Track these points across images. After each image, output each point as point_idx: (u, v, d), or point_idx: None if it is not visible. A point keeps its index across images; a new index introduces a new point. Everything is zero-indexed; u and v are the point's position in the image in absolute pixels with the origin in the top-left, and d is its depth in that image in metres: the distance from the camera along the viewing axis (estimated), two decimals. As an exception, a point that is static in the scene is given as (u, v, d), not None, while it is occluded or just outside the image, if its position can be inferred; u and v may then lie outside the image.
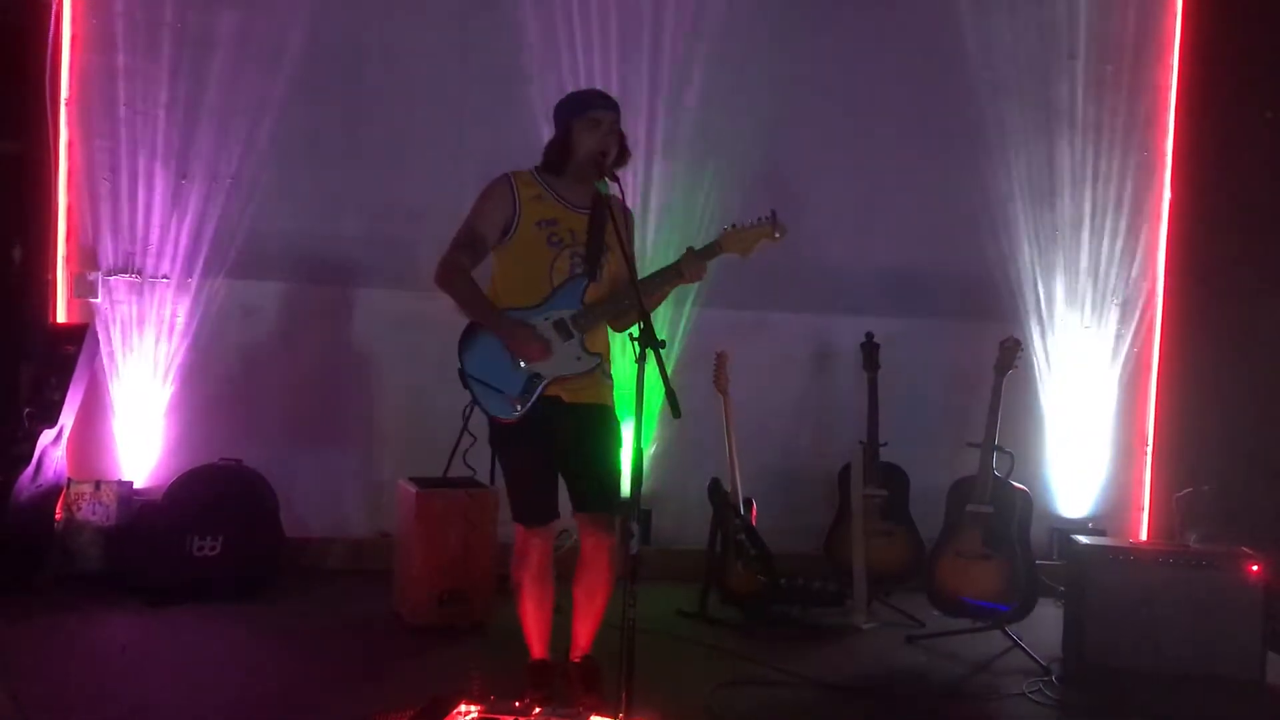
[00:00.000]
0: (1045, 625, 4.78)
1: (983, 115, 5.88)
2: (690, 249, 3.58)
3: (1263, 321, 5.41)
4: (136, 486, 5.21)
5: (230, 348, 5.41)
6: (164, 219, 5.33)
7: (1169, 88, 6.03)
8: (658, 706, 3.38)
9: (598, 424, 3.57)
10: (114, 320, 5.30)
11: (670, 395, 3.00)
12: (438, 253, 3.58)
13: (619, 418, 3.66)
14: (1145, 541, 5.77)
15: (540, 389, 3.48)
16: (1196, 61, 5.93)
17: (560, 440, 3.53)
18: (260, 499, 5.06)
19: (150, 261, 5.34)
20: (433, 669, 4.10)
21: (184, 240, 5.35)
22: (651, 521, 5.61)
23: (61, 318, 5.27)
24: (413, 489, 4.68)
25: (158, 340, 5.34)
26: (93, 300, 5.28)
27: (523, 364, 3.47)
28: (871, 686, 4.21)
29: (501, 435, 3.57)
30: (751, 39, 5.73)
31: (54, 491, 4.98)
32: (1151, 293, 6.04)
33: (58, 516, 5.02)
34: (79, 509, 5.02)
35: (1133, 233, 6.01)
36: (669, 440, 5.59)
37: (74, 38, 5.24)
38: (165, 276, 5.35)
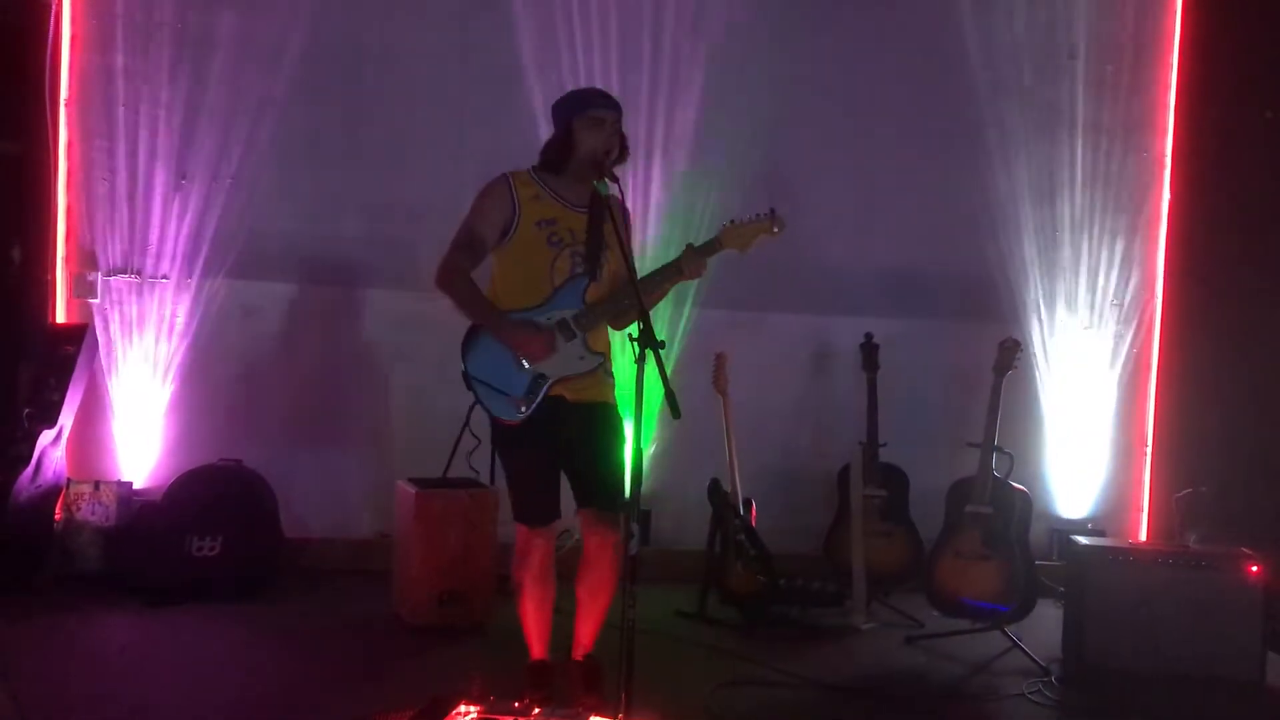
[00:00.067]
0: (1044, 626, 4.78)
1: (982, 115, 5.88)
2: (690, 245, 3.58)
3: (1262, 322, 5.41)
4: (136, 487, 5.21)
5: (230, 348, 5.41)
6: (163, 219, 5.33)
7: (1168, 88, 6.03)
8: (657, 707, 3.38)
9: (601, 421, 3.56)
10: (113, 321, 5.30)
11: (670, 396, 2.99)
12: (438, 253, 3.58)
13: (621, 415, 3.66)
14: (1145, 542, 5.77)
15: (545, 390, 3.48)
16: (1196, 61, 5.93)
17: (564, 439, 3.53)
18: (260, 499, 5.06)
19: (149, 262, 5.34)
20: (432, 669, 4.10)
21: (183, 240, 5.35)
22: (651, 522, 5.62)
23: (61, 318, 5.27)
24: (412, 489, 4.68)
25: (157, 340, 5.34)
26: (92, 300, 5.28)
27: (526, 364, 3.47)
28: (871, 687, 4.21)
29: (504, 436, 3.57)
30: (751, 39, 5.73)
31: (53, 492, 4.98)
32: (1151, 293, 6.04)
33: (57, 517, 5.02)
34: (78, 509, 5.02)
35: (1132, 233, 6.01)
36: (668, 441, 5.59)
37: (73, 38, 5.24)
38: (165, 277, 5.35)
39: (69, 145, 5.26)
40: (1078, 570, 4.45)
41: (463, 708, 3.17)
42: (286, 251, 5.44)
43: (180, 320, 5.36)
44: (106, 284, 5.30)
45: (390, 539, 5.05)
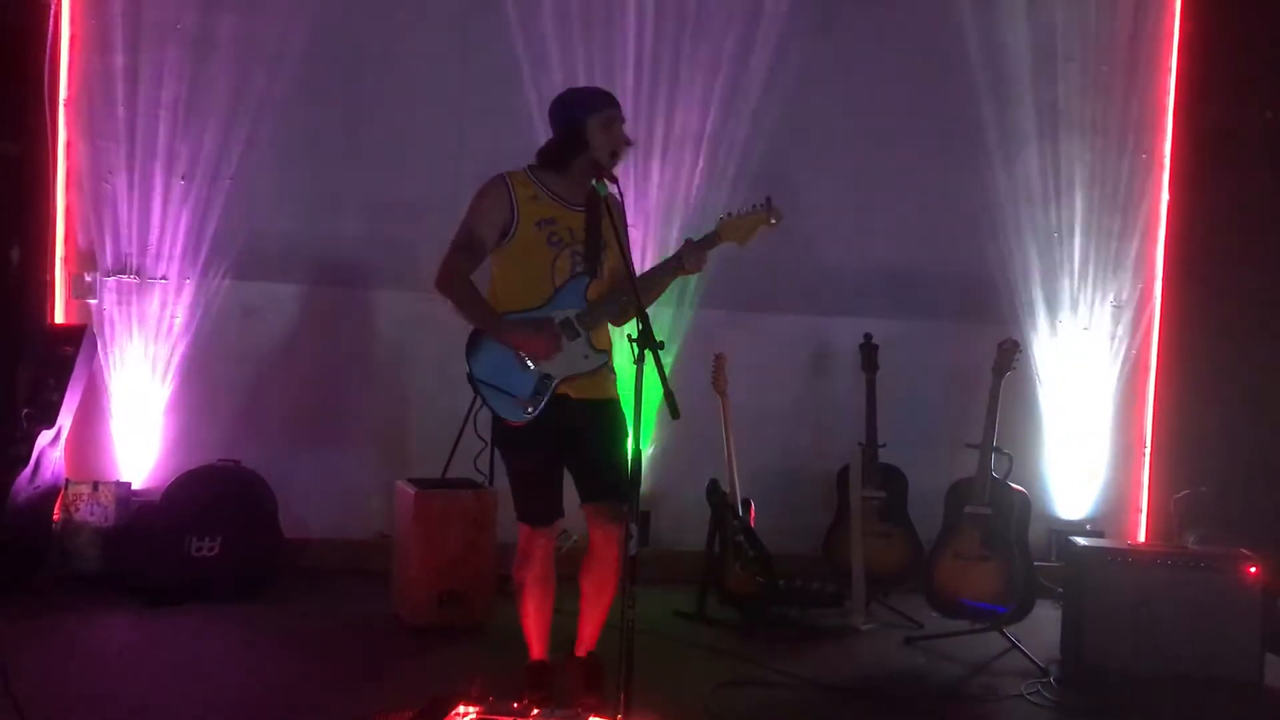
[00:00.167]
0: (1043, 627, 4.78)
1: (982, 116, 5.88)
2: (689, 239, 3.60)
3: (1262, 322, 5.42)
4: (135, 487, 5.21)
5: (229, 348, 5.41)
6: (163, 220, 5.33)
7: (1167, 88, 6.03)
8: (656, 707, 3.39)
9: (605, 417, 3.55)
10: (112, 321, 5.30)
11: (669, 396, 3.00)
12: (437, 253, 3.58)
13: (625, 410, 3.65)
14: (1143, 543, 5.78)
15: (551, 390, 3.48)
16: (1195, 62, 5.93)
17: (567, 437, 3.53)
18: (259, 500, 5.06)
19: (149, 262, 5.34)
20: (432, 670, 4.10)
21: (183, 241, 5.35)
22: (650, 523, 5.61)
23: (60, 318, 5.27)
24: (411, 490, 4.68)
25: (156, 341, 5.34)
26: (91, 301, 5.28)
27: (531, 365, 3.47)
28: (870, 688, 4.21)
29: (509, 436, 3.56)
30: (751, 39, 5.72)
31: (52, 492, 4.98)
32: (1150, 294, 6.04)
33: (56, 517, 5.01)
34: (77, 510, 5.02)
35: (1131, 234, 6.01)
36: (667, 441, 5.59)
37: (73, 38, 5.24)
38: (164, 277, 5.35)
39: (68, 145, 5.26)
40: (1076, 571, 4.45)
41: (462, 708, 3.18)
42: (286, 252, 5.44)
43: (179, 320, 5.36)
44: (106, 284, 5.30)
45: (390, 539, 5.05)
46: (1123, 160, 6.00)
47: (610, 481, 3.45)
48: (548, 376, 3.48)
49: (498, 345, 3.48)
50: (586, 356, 3.53)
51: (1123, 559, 4.39)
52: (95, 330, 5.22)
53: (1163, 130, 6.04)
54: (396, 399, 5.54)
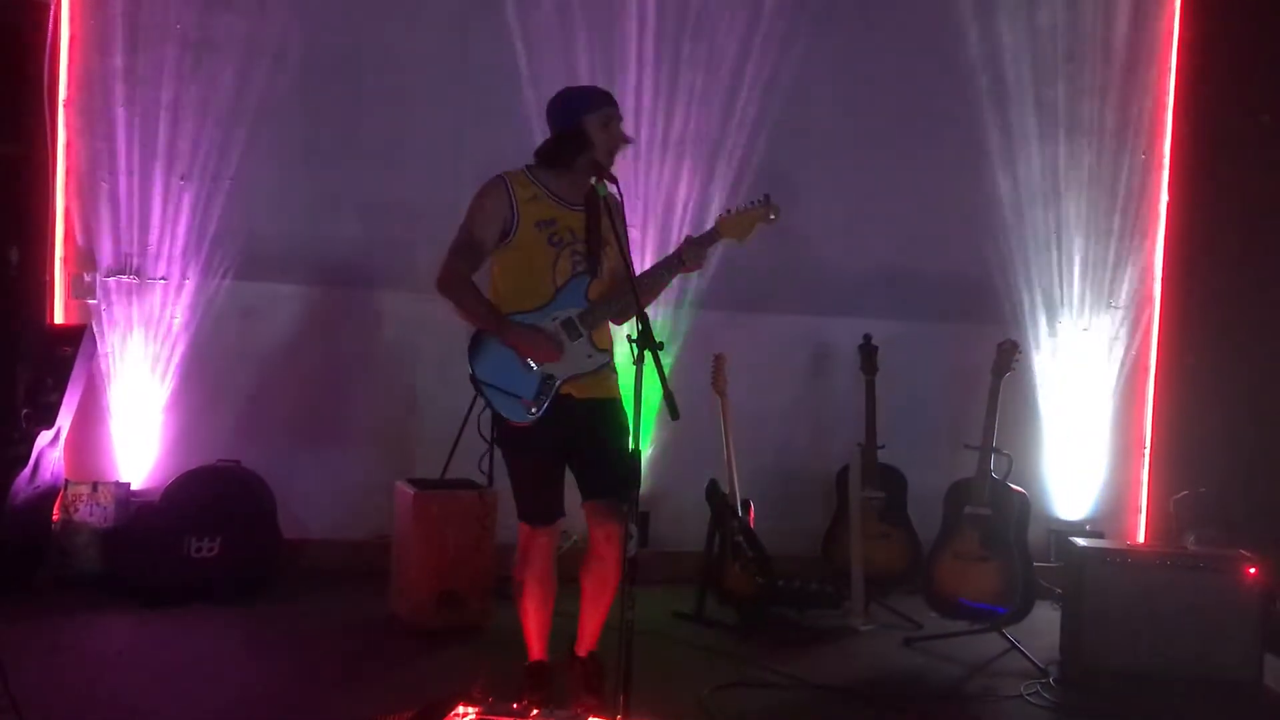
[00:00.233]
0: (1043, 627, 4.78)
1: (981, 117, 5.88)
2: (689, 237, 3.61)
3: (1261, 323, 5.42)
4: (134, 488, 5.20)
5: (228, 349, 5.41)
6: (162, 220, 5.33)
7: (1166, 90, 6.03)
8: (655, 708, 3.39)
9: (607, 417, 3.54)
10: (112, 321, 5.30)
11: (668, 397, 3.00)
12: (437, 254, 3.58)
13: (626, 409, 3.64)
14: (1143, 544, 5.79)
15: (555, 390, 3.48)
16: (1194, 64, 5.93)
17: (570, 436, 3.53)
18: (258, 500, 5.06)
19: (148, 262, 5.33)
20: (431, 671, 4.10)
21: (182, 241, 5.35)
22: (649, 523, 5.61)
23: (59, 319, 5.27)
24: (410, 490, 4.68)
25: (155, 341, 5.33)
26: (90, 301, 5.28)
27: (535, 366, 3.46)
28: (869, 689, 4.21)
29: (511, 436, 3.56)
30: (751, 40, 5.72)
31: (51, 493, 4.98)
32: (1149, 295, 6.04)
33: (55, 518, 5.01)
34: (76, 510, 5.02)
35: (1130, 235, 6.01)
36: (667, 442, 5.59)
37: (72, 39, 5.24)
38: (163, 278, 5.35)
39: (68, 146, 5.26)
40: (1076, 572, 4.45)
41: (461, 709, 3.18)
42: (285, 252, 5.44)
43: (178, 320, 5.36)
44: (105, 285, 5.30)
45: (388, 540, 5.05)
46: (1122, 161, 6.00)
47: (612, 480, 3.44)
48: (551, 377, 3.48)
49: (500, 346, 3.48)
50: (590, 356, 3.53)
51: (1122, 560, 4.38)
52: (95, 330, 5.22)
53: (1162, 131, 6.04)
54: (396, 399, 5.54)
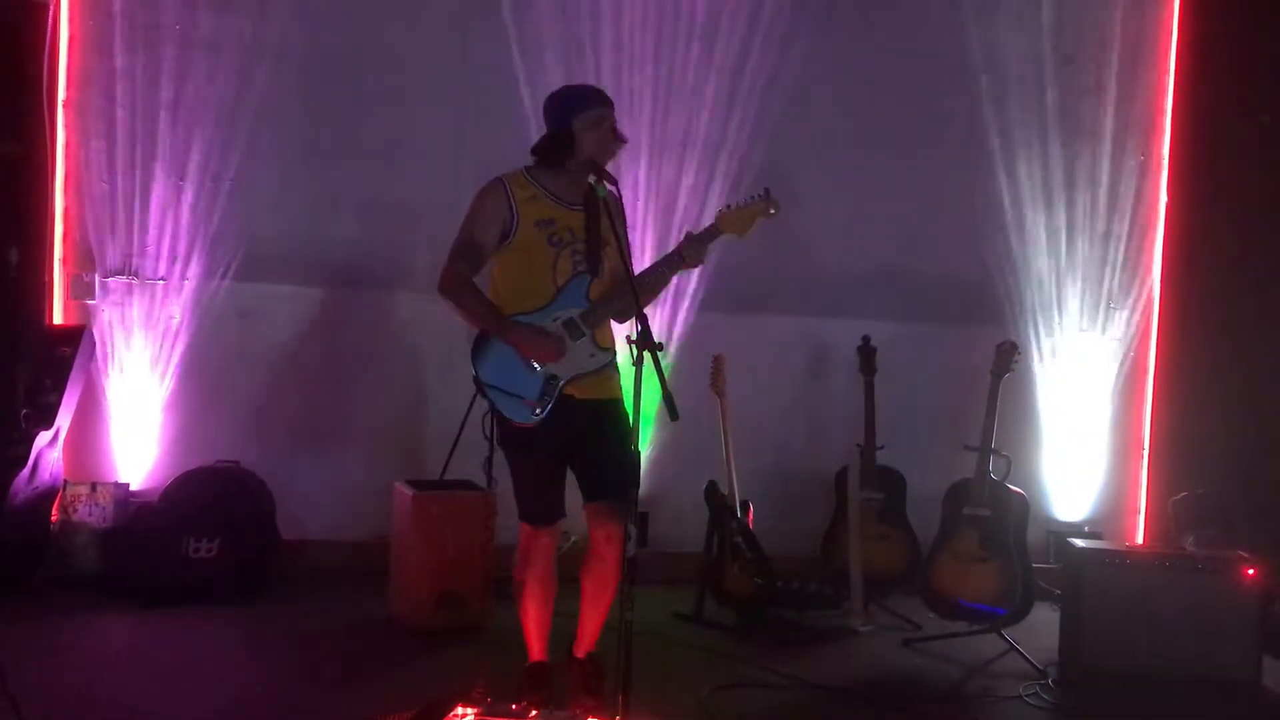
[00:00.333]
0: (1041, 628, 4.78)
1: (980, 119, 5.88)
2: (689, 233, 3.61)
3: (1259, 325, 5.42)
4: (133, 488, 5.20)
5: (227, 349, 5.41)
6: (161, 221, 5.33)
7: (1166, 92, 6.03)
8: (654, 709, 3.39)
9: (608, 418, 3.54)
10: (111, 322, 5.30)
11: (668, 398, 3.00)
12: (437, 254, 3.58)
13: (627, 409, 3.64)
14: (1141, 545, 5.78)
15: (559, 390, 3.48)
16: (1193, 66, 5.94)
17: (572, 437, 3.53)
18: (257, 501, 5.06)
19: (147, 263, 5.33)
20: (430, 671, 4.10)
21: (181, 242, 5.34)
22: (648, 524, 5.61)
23: (58, 319, 5.27)
24: (409, 491, 4.68)
25: (154, 342, 5.33)
26: (89, 302, 5.28)
27: (538, 366, 3.47)
28: (868, 689, 4.21)
29: (513, 436, 3.56)
30: (751, 41, 5.72)
31: (50, 493, 4.98)
32: (1148, 296, 6.04)
33: (54, 518, 5.01)
34: (75, 511, 5.02)
35: (1129, 236, 6.01)
36: (666, 443, 5.59)
37: (71, 39, 5.24)
38: (162, 278, 5.35)
39: (67, 146, 5.26)
40: (1074, 573, 4.45)
41: (460, 709, 3.18)
42: (284, 253, 5.44)
43: (177, 321, 5.36)
44: (104, 285, 5.29)
45: (388, 540, 5.05)
46: (1121, 162, 6.00)
47: (614, 481, 3.42)
48: (554, 377, 3.48)
49: (503, 348, 3.48)
50: (592, 355, 3.53)
51: (1121, 561, 4.38)
52: (94, 331, 5.22)
53: (1161, 132, 6.04)
54: (395, 400, 5.54)
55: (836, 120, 5.84)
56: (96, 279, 5.28)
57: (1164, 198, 6.04)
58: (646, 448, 5.56)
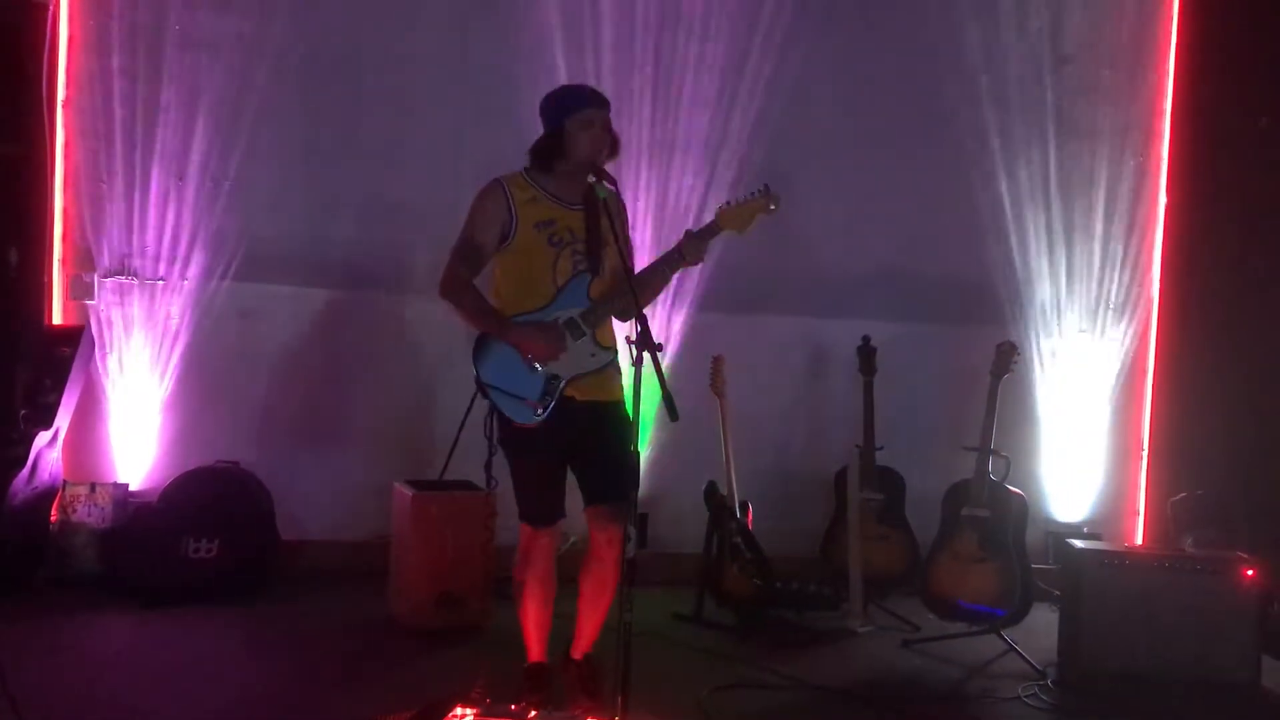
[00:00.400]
0: (1041, 629, 4.78)
1: (980, 120, 5.88)
2: (688, 231, 3.60)
3: (1258, 326, 5.42)
4: (132, 489, 5.20)
5: (226, 350, 5.41)
6: (160, 221, 5.33)
7: (1165, 93, 6.04)
8: (653, 709, 3.39)
9: (609, 420, 3.53)
10: (110, 322, 5.29)
11: (667, 398, 3.00)
12: (436, 255, 3.58)
13: (629, 411, 3.63)
14: (1141, 546, 5.78)
15: (560, 390, 3.48)
16: (1192, 67, 5.94)
17: (573, 438, 3.53)
18: (256, 501, 5.06)
19: (147, 263, 5.33)
20: (429, 672, 4.10)
21: (181, 242, 5.34)
22: (648, 525, 5.61)
23: (57, 319, 5.26)
24: (409, 491, 4.68)
25: (154, 342, 5.33)
26: (89, 302, 5.28)
27: (539, 367, 3.46)
28: (867, 690, 4.21)
29: (514, 437, 3.55)
30: (751, 42, 5.72)
31: (49, 493, 4.97)
32: (1147, 297, 6.05)
33: (53, 518, 5.01)
34: (74, 511, 5.02)
35: (1129, 237, 6.02)
36: (665, 444, 5.59)
37: (71, 39, 5.23)
38: (162, 278, 5.35)
39: (66, 146, 5.26)
40: (1074, 574, 4.45)
41: (459, 710, 3.18)
42: (284, 253, 5.44)
43: (176, 322, 5.36)
44: (103, 285, 5.29)
45: (387, 540, 5.05)
46: (1120, 163, 6.00)
47: (614, 484, 3.41)
48: (555, 377, 3.48)
49: (504, 349, 3.48)
50: (593, 355, 3.53)
51: (1120, 562, 4.38)
52: (93, 331, 5.22)
53: (1160, 134, 6.05)
54: (394, 400, 5.54)
55: (836, 120, 5.84)
56: (96, 279, 5.28)
57: (1163, 198, 6.04)
58: (646, 448, 5.56)
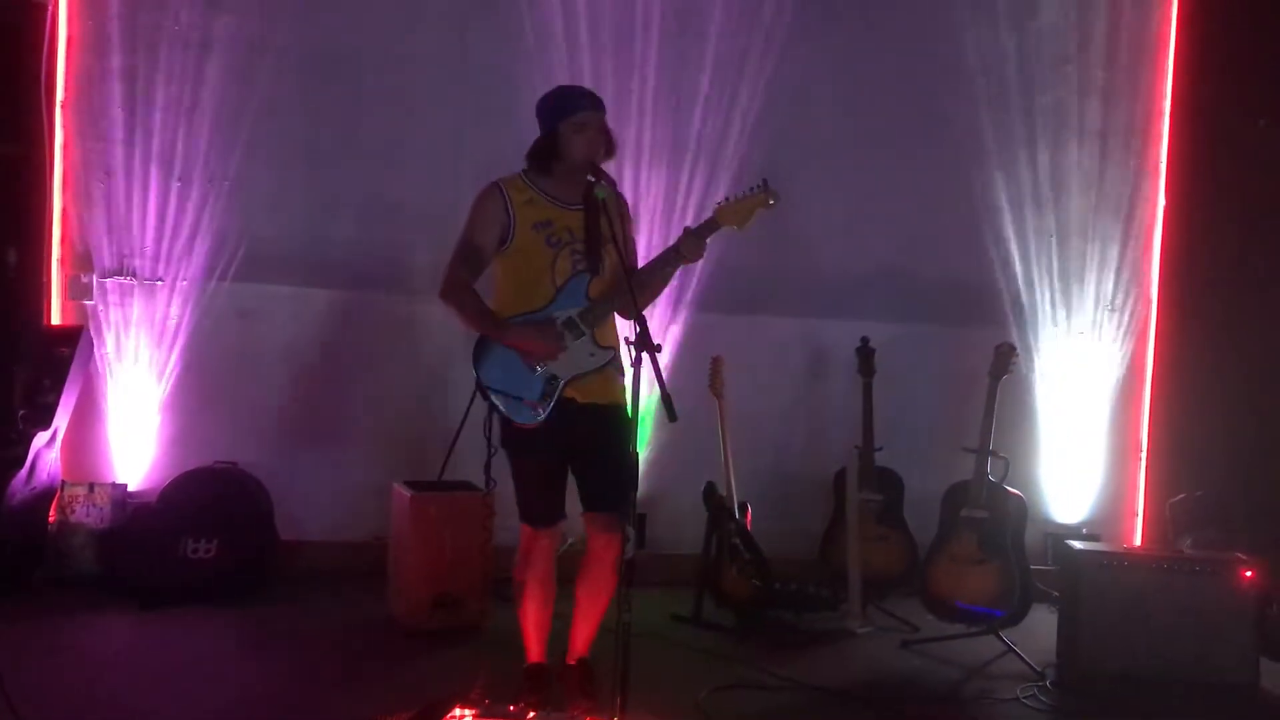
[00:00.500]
0: (1039, 630, 4.78)
1: (979, 121, 5.88)
2: (687, 228, 3.57)
3: (1257, 327, 5.43)
4: (131, 489, 5.20)
5: (225, 350, 5.40)
6: (159, 221, 5.33)
7: (1164, 94, 6.03)
8: (652, 710, 3.39)
9: (610, 424, 3.52)
10: (109, 323, 5.29)
11: (666, 399, 3.00)
12: (436, 255, 3.58)
13: (630, 415, 3.62)
14: (1139, 547, 5.78)
15: (560, 390, 3.47)
16: (1191, 68, 5.94)
17: (573, 440, 3.54)
18: (255, 501, 5.06)
19: (146, 264, 5.33)
20: (428, 673, 4.10)
21: (179, 243, 5.34)
22: (646, 525, 5.61)
23: (56, 320, 5.26)
24: (407, 492, 4.68)
25: (153, 342, 5.33)
26: (87, 302, 5.28)
27: (539, 368, 3.46)
28: (866, 691, 4.21)
29: (515, 437, 3.56)
30: (751, 43, 5.72)
31: (48, 494, 4.97)
32: (1146, 298, 6.05)
33: (51, 519, 5.01)
34: (73, 511, 5.02)
35: (1127, 238, 6.01)
36: (664, 444, 5.59)
37: (70, 40, 5.23)
38: (160, 279, 5.35)
39: (65, 147, 5.26)
40: (1072, 575, 4.45)
41: (458, 710, 3.18)
42: (283, 253, 5.43)
43: (175, 322, 5.35)
44: (102, 286, 5.29)
45: (386, 541, 5.05)
46: (1119, 165, 6.00)
47: (613, 490, 3.41)
48: (554, 377, 3.48)
49: (504, 350, 3.48)
50: (592, 354, 3.53)
51: (1118, 563, 4.38)
52: (92, 331, 5.21)
53: (1159, 135, 6.04)
54: (393, 401, 5.53)
55: (836, 120, 5.83)
56: (95, 279, 5.28)
57: (1162, 200, 6.04)
58: (645, 449, 5.56)
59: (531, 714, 3.26)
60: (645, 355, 3.11)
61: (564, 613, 3.74)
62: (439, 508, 4.64)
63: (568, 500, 3.63)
